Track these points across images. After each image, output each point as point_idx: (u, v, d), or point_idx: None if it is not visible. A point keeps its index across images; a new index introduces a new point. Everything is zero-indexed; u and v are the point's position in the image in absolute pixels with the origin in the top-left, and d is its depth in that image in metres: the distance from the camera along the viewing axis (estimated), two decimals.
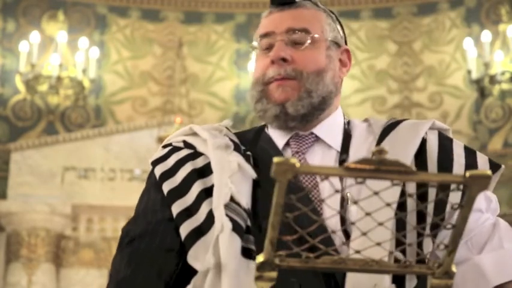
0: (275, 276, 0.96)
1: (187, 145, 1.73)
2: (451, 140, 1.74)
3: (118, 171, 7.95)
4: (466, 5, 8.75)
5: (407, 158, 1.65)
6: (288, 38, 1.71)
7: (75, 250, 7.92)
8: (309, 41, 1.71)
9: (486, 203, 1.69)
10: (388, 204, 0.97)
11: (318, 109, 1.72)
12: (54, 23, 8.71)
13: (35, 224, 7.74)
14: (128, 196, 7.62)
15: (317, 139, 1.73)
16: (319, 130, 1.73)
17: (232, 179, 1.58)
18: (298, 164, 0.87)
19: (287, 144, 1.74)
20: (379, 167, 0.88)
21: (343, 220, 1.58)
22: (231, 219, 1.52)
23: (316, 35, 1.72)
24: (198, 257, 1.53)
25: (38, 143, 8.05)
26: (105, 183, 7.92)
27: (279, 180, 0.88)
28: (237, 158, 1.63)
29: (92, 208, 7.90)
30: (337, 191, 0.98)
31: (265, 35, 1.74)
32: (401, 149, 1.66)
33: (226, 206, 1.54)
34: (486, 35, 8.24)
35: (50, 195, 7.82)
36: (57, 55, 8.38)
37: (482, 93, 8.36)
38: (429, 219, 1.53)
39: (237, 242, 1.49)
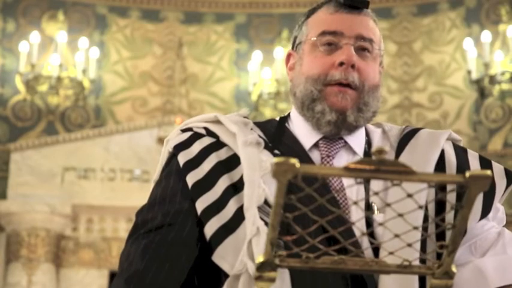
0: (275, 276, 0.96)
1: (209, 133, 1.68)
2: (465, 151, 1.74)
3: (118, 171, 7.95)
4: (466, 5, 8.75)
5: (429, 170, 1.64)
6: (355, 44, 1.67)
7: (75, 250, 7.92)
8: (374, 53, 1.70)
9: (493, 212, 1.69)
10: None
11: (367, 122, 1.72)
12: (54, 23, 8.71)
13: (35, 224, 7.74)
14: (128, 196, 7.63)
15: (345, 144, 1.71)
16: (348, 137, 1.71)
17: (264, 179, 1.54)
18: (298, 165, 0.87)
19: (315, 145, 1.71)
20: (379, 167, 0.88)
21: (369, 224, 1.58)
22: (266, 224, 1.48)
23: (376, 48, 1.70)
24: (226, 257, 1.50)
25: (38, 143, 8.05)
26: (105, 184, 7.92)
27: (279, 181, 0.88)
28: (268, 158, 1.59)
29: (92, 208, 7.90)
30: (339, 190, 0.98)
31: (332, 33, 1.68)
32: (422, 160, 1.66)
33: (260, 209, 1.50)
34: (486, 35, 8.24)
35: (50, 195, 7.82)
36: (57, 55, 8.38)
37: (482, 93, 8.36)
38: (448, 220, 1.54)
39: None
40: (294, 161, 0.87)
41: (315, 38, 1.69)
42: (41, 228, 7.76)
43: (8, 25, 8.72)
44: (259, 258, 0.95)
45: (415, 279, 1.51)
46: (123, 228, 7.81)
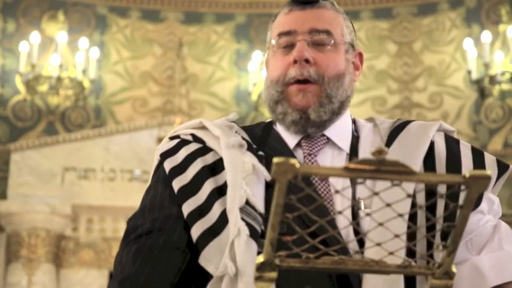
0: (275, 276, 0.96)
1: (196, 139, 1.70)
2: (457, 142, 1.74)
3: (118, 171, 7.95)
4: (466, 5, 8.75)
5: (417, 162, 1.64)
6: (310, 38, 1.68)
7: (75, 250, 7.92)
8: (331, 44, 1.69)
9: (488, 205, 1.68)
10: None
11: (336, 114, 1.71)
12: (54, 23, 8.71)
13: (35, 224, 7.74)
14: (128, 196, 7.63)
15: (328, 141, 1.72)
16: (330, 132, 1.71)
17: (246, 180, 1.56)
18: (298, 165, 0.87)
19: (298, 144, 1.72)
20: (379, 167, 0.88)
21: (356, 230, 1.57)
22: (247, 224, 1.50)
23: (337, 38, 1.70)
24: (212, 259, 1.52)
25: (38, 143, 8.04)
26: (105, 184, 7.92)
27: (279, 181, 0.88)
28: (251, 159, 1.60)
29: (92, 208, 7.90)
30: (337, 191, 0.98)
31: (286, 34, 1.70)
32: (410, 152, 1.65)
33: (242, 210, 1.52)
34: (486, 36, 8.24)
35: (50, 195, 7.82)
36: (57, 55, 8.38)
37: (482, 93, 8.35)
38: (438, 225, 1.53)
39: (253, 248, 1.47)
40: (294, 161, 0.87)
41: (274, 42, 1.72)
42: (41, 229, 7.76)
43: (8, 25, 8.72)
44: (259, 258, 0.95)
45: (400, 278, 1.51)
46: (123, 229, 7.78)
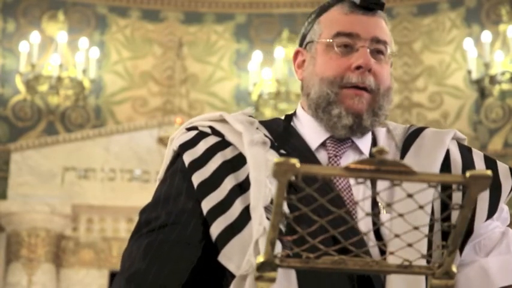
0: (275, 276, 0.96)
1: (214, 132, 1.66)
2: (470, 151, 1.74)
3: (118, 171, 7.95)
4: (466, 5, 8.75)
5: (435, 169, 1.65)
6: (371, 46, 1.66)
7: (75, 250, 7.92)
8: (386, 55, 1.68)
9: (498, 212, 1.68)
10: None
11: (379, 125, 1.72)
12: (54, 23, 8.71)
13: (35, 224, 7.74)
14: (128, 196, 7.63)
15: (352, 144, 1.70)
16: (356, 137, 1.71)
17: (270, 179, 1.52)
18: (298, 165, 0.87)
19: (322, 145, 1.70)
20: (379, 167, 0.88)
21: (375, 223, 1.57)
22: None
23: (389, 50, 1.69)
24: (232, 257, 1.49)
25: (38, 143, 8.05)
26: (105, 184, 7.92)
27: (279, 181, 0.88)
28: (274, 157, 1.55)
29: (92, 208, 7.90)
30: (337, 193, 0.98)
31: (347, 35, 1.66)
32: (428, 159, 1.66)
33: (266, 208, 1.49)
34: (486, 35, 8.24)
35: (50, 195, 7.82)
36: (57, 55, 8.38)
37: (483, 93, 8.36)
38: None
39: (278, 248, 1.43)
40: (294, 161, 0.87)
41: (330, 40, 1.67)
42: (41, 228, 7.76)
43: (8, 25, 8.72)
44: (259, 258, 0.95)
45: (422, 278, 1.51)
46: (124, 229, 7.81)
